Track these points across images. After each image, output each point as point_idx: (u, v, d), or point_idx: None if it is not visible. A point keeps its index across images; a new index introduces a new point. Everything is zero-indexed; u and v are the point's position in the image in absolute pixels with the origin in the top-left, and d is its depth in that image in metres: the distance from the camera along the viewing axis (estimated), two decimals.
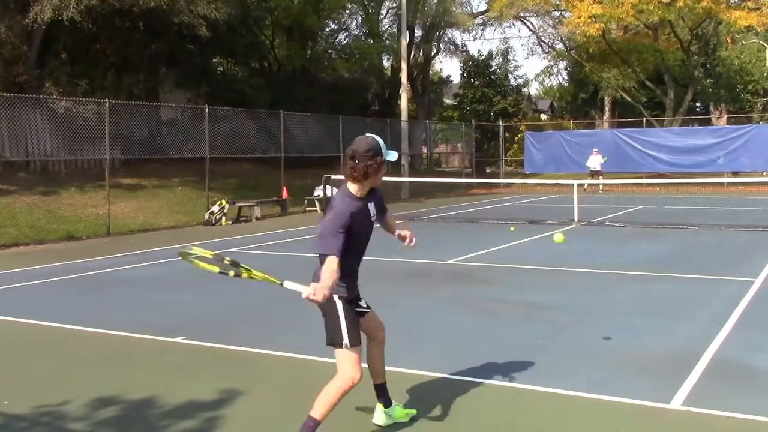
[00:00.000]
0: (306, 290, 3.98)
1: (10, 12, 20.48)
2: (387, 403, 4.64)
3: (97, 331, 7.08)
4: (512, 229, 16.02)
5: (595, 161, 29.59)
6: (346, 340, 4.16)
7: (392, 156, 4.21)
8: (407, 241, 4.56)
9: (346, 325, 4.17)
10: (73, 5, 18.64)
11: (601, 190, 28.68)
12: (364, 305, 4.49)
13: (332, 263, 3.99)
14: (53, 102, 19.27)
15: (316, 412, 4.12)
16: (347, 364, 4.18)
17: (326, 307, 4.15)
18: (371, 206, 4.27)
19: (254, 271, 4.30)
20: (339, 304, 4.18)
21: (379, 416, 4.64)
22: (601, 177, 29.03)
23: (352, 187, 4.15)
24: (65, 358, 6.30)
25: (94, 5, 19.31)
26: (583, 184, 27.89)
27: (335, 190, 21.06)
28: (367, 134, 4.22)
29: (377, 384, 4.65)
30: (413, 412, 4.75)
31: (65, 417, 4.79)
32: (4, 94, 16.87)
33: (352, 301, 4.32)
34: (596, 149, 29.93)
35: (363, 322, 4.45)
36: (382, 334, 4.66)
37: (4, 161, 19.17)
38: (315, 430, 4.11)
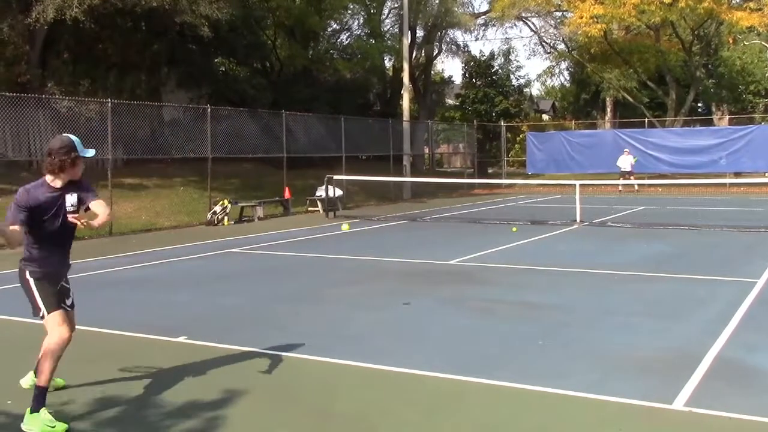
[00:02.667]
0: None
1: (13, 11, 20.50)
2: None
3: (99, 331, 7.09)
4: (514, 229, 16.03)
5: (625, 161, 29.36)
6: (43, 309, 4.82)
7: (89, 153, 4.87)
8: (82, 221, 4.77)
9: (40, 295, 4.82)
10: (75, 5, 18.64)
11: (636, 189, 28.69)
12: (70, 303, 5.04)
13: (13, 226, 4.63)
14: (56, 102, 19.27)
15: (42, 379, 4.69)
16: (52, 327, 4.80)
17: (23, 286, 4.89)
18: (69, 197, 4.80)
19: None
20: (31, 282, 4.83)
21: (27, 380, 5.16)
22: (632, 177, 29.02)
23: (48, 178, 4.78)
24: (67, 357, 6.27)
25: (97, 5, 19.31)
26: (618, 185, 28.07)
27: (338, 190, 21.19)
28: (64, 134, 4.87)
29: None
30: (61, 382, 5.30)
31: (67, 416, 4.80)
32: (7, 93, 16.89)
33: (51, 282, 4.87)
34: (627, 149, 29.77)
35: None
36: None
37: (6, 161, 19.19)
38: (44, 396, 4.69)
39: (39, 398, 4.64)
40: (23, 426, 4.63)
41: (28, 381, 5.20)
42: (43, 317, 4.83)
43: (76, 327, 5.18)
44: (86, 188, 4.94)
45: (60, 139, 4.79)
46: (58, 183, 4.77)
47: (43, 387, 4.67)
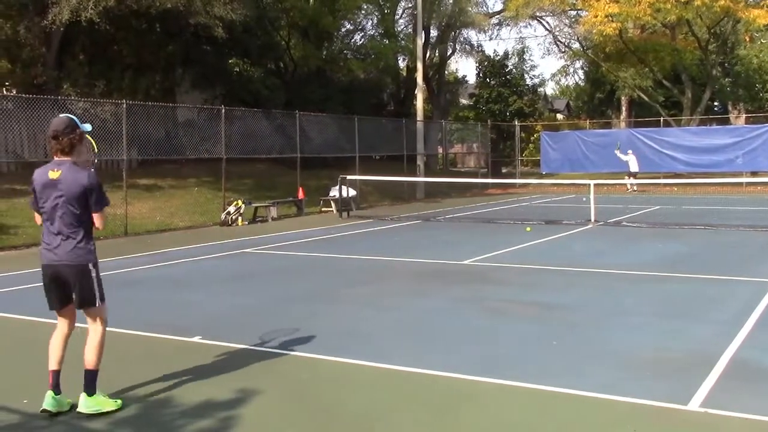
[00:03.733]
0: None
1: (29, 14, 20.66)
2: (59, 391, 4.90)
3: (114, 331, 7.10)
4: (528, 229, 15.98)
5: (632, 161, 29.32)
6: (99, 298, 4.96)
7: (88, 127, 4.95)
8: None
9: (97, 284, 4.96)
10: (90, 6, 18.76)
11: (635, 190, 28.59)
12: None
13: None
14: (71, 103, 19.38)
15: (97, 364, 4.92)
16: (104, 316, 5.06)
17: (81, 277, 4.86)
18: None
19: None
20: (93, 271, 4.93)
21: (50, 402, 4.84)
22: (631, 177, 28.96)
23: (67, 159, 4.84)
24: (83, 357, 6.33)
25: (112, 6, 19.43)
26: (626, 185, 28.08)
27: (351, 190, 21.21)
28: (60, 115, 4.91)
29: (58, 370, 4.94)
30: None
31: (82, 416, 4.83)
32: (23, 95, 17.01)
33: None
34: (630, 150, 29.64)
35: (69, 311, 5.04)
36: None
37: (23, 162, 19.34)
38: (96, 378, 4.88)
39: (94, 381, 4.86)
40: (85, 409, 4.81)
41: (51, 403, 4.82)
42: (97, 306, 4.95)
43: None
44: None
45: (60, 120, 4.82)
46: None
47: (97, 370, 4.90)
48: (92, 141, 5.12)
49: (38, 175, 4.90)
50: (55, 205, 4.80)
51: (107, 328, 5.05)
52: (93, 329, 4.98)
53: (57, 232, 4.83)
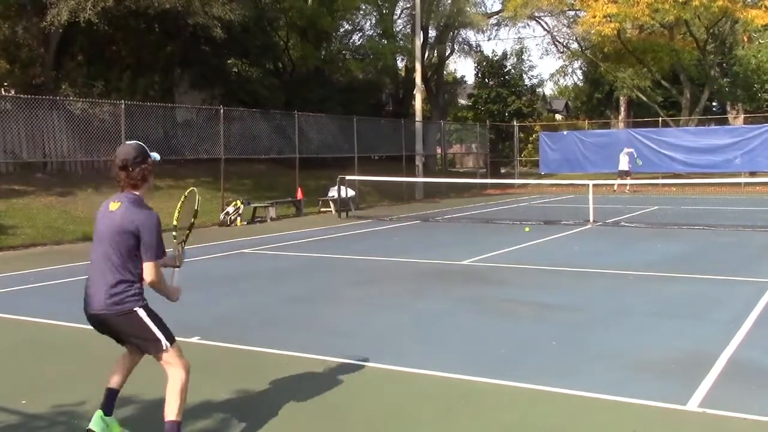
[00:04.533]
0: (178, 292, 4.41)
1: (27, 14, 20.66)
2: (109, 411, 4.42)
3: None
4: (527, 229, 15.99)
5: (623, 160, 29.34)
6: (165, 342, 4.21)
7: (156, 157, 4.32)
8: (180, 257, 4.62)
9: (158, 326, 4.22)
10: (89, 7, 18.76)
11: (627, 190, 28.61)
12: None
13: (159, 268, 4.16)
14: (70, 103, 19.40)
15: (176, 414, 4.16)
16: (177, 360, 4.24)
17: (128, 323, 4.18)
18: None
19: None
20: (143, 314, 4.19)
21: (98, 422, 4.32)
22: (629, 177, 28.96)
23: (139, 193, 4.25)
24: (82, 358, 6.34)
25: (110, 7, 19.43)
26: (625, 186, 28.12)
27: (350, 190, 21.20)
28: (127, 142, 4.33)
29: (111, 389, 4.45)
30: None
31: (82, 416, 4.82)
32: (22, 95, 17.01)
33: (149, 307, 4.32)
34: (626, 147, 29.63)
35: None
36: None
37: (21, 162, 19.33)
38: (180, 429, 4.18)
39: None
40: None
41: (99, 424, 4.34)
42: (165, 350, 4.20)
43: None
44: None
45: (131, 147, 4.21)
46: (143, 197, 4.29)
47: (180, 422, 4.20)
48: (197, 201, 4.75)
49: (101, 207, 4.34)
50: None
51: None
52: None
53: None
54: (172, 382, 4.20)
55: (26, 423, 4.80)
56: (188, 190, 4.81)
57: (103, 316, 4.15)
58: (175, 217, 4.69)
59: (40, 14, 19.90)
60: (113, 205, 4.19)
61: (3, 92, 21.20)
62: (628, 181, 28.58)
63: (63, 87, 20.83)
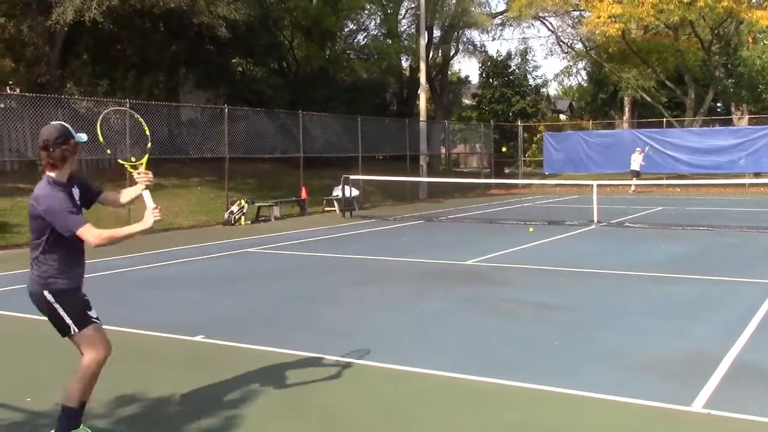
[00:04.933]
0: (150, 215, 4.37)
1: (33, 13, 20.71)
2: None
3: (117, 330, 7.12)
4: (531, 229, 15.97)
5: (635, 161, 29.25)
6: (73, 327, 4.25)
7: (83, 137, 4.34)
8: (144, 178, 4.58)
9: (66, 312, 4.25)
10: (94, 6, 18.81)
11: (633, 191, 28.52)
12: (95, 315, 4.41)
13: (97, 230, 4.16)
14: (75, 102, 19.41)
15: (72, 399, 4.24)
16: (87, 346, 4.28)
17: (42, 307, 4.27)
18: (75, 192, 4.33)
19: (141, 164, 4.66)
20: (50, 298, 4.23)
21: None
22: (637, 177, 28.90)
23: (52, 175, 4.23)
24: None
25: (115, 6, 19.47)
26: (629, 186, 28.05)
27: (354, 190, 21.22)
28: (52, 122, 4.35)
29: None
30: None
31: (87, 414, 4.81)
32: (27, 94, 17.03)
33: (74, 294, 4.33)
34: (639, 149, 29.55)
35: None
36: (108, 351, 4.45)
37: (27, 161, 19.37)
38: (76, 417, 4.27)
39: (69, 420, 4.23)
40: None
41: None
42: (73, 336, 4.28)
43: None
44: (83, 182, 4.47)
45: (53, 127, 4.24)
46: (63, 177, 4.26)
47: (73, 408, 4.25)
48: (142, 122, 4.93)
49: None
50: None
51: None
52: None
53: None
54: (78, 367, 4.29)
55: (31, 420, 4.83)
56: (127, 112, 4.90)
57: (31, 298, 4.30)
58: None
59: (46, 13, 19.95)
60: (35, 190, 4.26)
61: (8, 90, 21.24)
62: (635, 182, 28.45)
63: (68, 86, 20.87)
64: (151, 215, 4.34)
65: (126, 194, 4.70)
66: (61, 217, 4.10)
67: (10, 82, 21.84)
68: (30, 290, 4.29)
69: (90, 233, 4.11)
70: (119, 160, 4.61)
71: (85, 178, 4.56)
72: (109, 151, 4.83)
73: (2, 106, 17.84)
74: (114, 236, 4.24)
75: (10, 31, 20.50)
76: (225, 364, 6.06)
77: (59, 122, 4.36)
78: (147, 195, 4.48)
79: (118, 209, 4.30)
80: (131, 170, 4.62)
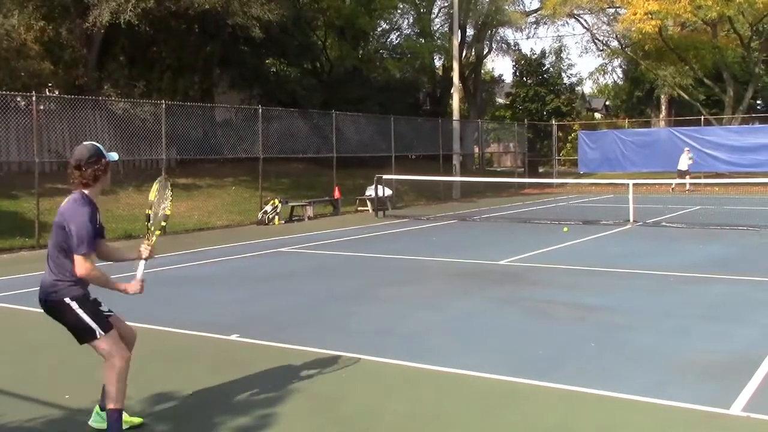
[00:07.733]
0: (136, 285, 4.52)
1: (71, 16, 21.04)
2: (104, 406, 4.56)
3: (153, 328, 7.22)
4: (566, 229, 15.82)
5: (683, 161, 28.73)
6: (98, 330, 4.35)
7: (114, 156, 4.51)
8: (148, 252, 4.62)
9: (91, 316, 4.36)
10: (129, 8, 19.06)
11: (686, 189, 27.99)
12: (106, 309, 4.55)
13: (93, 264, 4.31)
14: (112, 103, 19.71)
15: (117, 402, 4.34)
16: (111, 347, 4.38)
17: (62, 313, 4.35)
18: (98, 214, 4.47)
19: (156, 231, 4.73)
20: (73, 304, 4.32)
21: (96, 418, 4.64)
22: (687, 176, 28.39)
23: (87, 191, 4.39)
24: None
25: (151, 8, 19.71)
26: (671, 184, 27.62)
27: (387, 190, 21.21)
28: (85, 142, 4.49)
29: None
30: (137, 420, 4.70)
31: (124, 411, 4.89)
32: (66, 96, 17.31)
33: (89, 298, 4.45)
34: (687, 149, 29.07)
35: (115, 323, 4.55)
36: (132, 337, 4.71)
37: (65, 162, 19.68)
38: (120, 417, 4.38)
39: (118, 422, 4.37)
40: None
41: (96, 420, 4.65)
42: (98, 338, 4.36)
43: (133, 324, 4.98)
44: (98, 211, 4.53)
45: (85, 147, 4.40)
46: (95, 195, 4.45)
47: (121, 409, 4.39)
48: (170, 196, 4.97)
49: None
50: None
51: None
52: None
53: None
54: (107, 371, 4.38)
55: (70, 416, 4.89)
56: (159, 179, 4.94)
57: (44, 304, 4.38)
58: (149, 206, 4.76)
59: (83, 16, 20.26)
60: (63, 202, 4.42)
61: (47, 93, 21.62)
62: (685, 180, 27.80)
63: (105, 87, 21.17)
64: (137, 286, 4.51)
65: (120, 254, 4.91)
66: (80, 233, 4.23)
67: (50, 85, 22.23)
68: (44, 297, 4.36)
69: (84, 265, 4.23)
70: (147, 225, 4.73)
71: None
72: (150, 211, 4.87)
73: (42, 108, 18.14)
74: (99, 281, 4.36)
75: (49, 34, 20.85)
76: (260, 362, 6.08)
77: (91, 142, 4.50)
78: (142, 266, 4.59)
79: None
80: (147, 233, 4.70)
